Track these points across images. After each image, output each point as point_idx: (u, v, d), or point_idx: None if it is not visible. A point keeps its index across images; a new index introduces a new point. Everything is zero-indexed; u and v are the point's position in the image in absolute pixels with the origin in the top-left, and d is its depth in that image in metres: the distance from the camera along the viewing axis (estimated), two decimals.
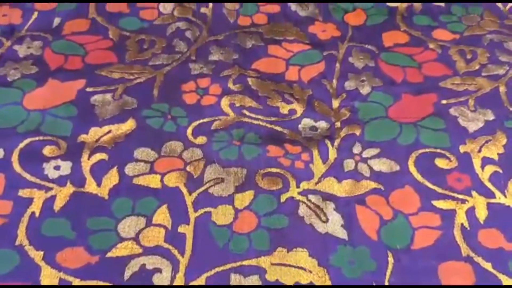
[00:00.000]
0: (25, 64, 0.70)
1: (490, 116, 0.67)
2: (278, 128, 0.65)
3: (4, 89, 0.67)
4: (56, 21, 0.77)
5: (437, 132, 0.65)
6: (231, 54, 0.74)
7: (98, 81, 0.69)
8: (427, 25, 0.80)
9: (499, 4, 0.83)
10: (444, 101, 0.69)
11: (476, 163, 0.62)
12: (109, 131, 0.63)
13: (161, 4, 0.80)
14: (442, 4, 0.83)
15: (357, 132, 0.65)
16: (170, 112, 0.66)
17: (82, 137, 0.62)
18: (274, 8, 0.81)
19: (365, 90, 0.70)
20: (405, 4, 0.83)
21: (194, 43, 0.75)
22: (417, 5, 0.83)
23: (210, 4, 0.81)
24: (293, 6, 0.81)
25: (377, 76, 0.72)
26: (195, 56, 0.73)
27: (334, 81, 0.71)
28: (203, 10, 0.80)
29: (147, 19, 0.78)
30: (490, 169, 0.61)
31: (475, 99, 0.69)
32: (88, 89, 0.68)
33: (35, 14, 0.77)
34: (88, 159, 0.60)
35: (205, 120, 0.65)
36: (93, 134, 0.63)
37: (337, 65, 0.73)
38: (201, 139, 0.63)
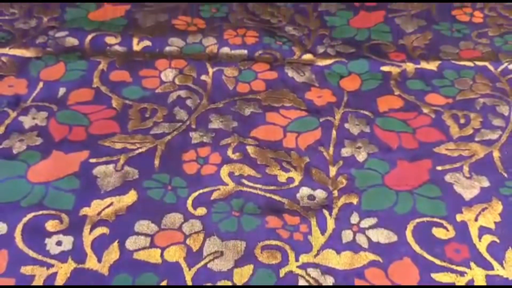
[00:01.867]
0: (30, 136, 0.72)
1: (485, 183, 0.68)
2: (277, 198, 0.66)
3: (9, 162, 0.68)
4: (61, 91, 0.79)
5: (433, 200, 0.66)
6: (230, 122, 0.76)
7: (101, 152, 0.71)
8: (421, 89, 0.82)
9: (491, 67, 0.86)
10: (439, 168, 0.70)
11: (474, 232, 0.62)
12: (111, 204, 0.64)
13: (163, 72, 0.83)
14: (435, 68, 0.86)
15: (355, 201, 0.66)
16: (170, 183, 0.67)
17: (84, 211, 0.63)
18: (272, 74, 0.84)
19: (361, 157, 0.72)
20: (398, 69, 0.85)
21: (195, 111, 0.77)
22: (410, 70, 0.85)
23: (210, 72, 0.84)
24: (289, 72, 0.84)
25: (373, 143, 0.74)
26: (196, 125, 0.75)
27: (331, 148, 0.73)
28: (203, 77, 0.83)
29: (149, 87, 0.81)
30: (487, 239, 0.62)
31: (470, 165, 0.71)
32: (91, 160, 0.69)
33: (41, 84, 0.80)
34: (90, 233, 0.61)
35: (205, 190, 0.67)
36: (95, 207, 0.64)
37: (334, 131, 0.75)
38: (201, 210, 0.64)
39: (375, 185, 0.68)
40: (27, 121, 0.74)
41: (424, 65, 0.86)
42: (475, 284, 0.57)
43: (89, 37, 0.89)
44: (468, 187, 0.68)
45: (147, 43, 0.89)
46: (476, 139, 0.74)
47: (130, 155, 0.71)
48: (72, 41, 0.88)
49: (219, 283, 0.57)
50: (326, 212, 0.64)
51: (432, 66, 0.86)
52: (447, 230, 0.62)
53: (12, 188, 0.65)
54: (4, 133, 0.72)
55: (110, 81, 0.81)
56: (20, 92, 0.79)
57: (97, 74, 0.82)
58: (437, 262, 0.59)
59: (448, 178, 0.69)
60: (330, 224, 0.63)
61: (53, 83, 0.80)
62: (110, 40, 0.89)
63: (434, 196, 0.66)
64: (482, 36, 0.93)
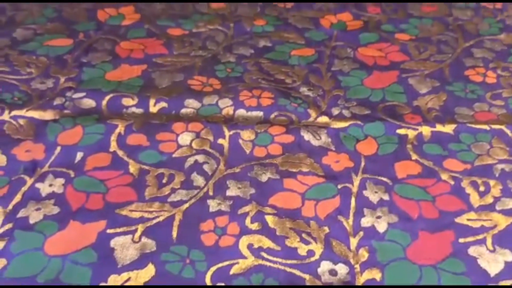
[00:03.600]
0: (47, 204, 0.72)
1: (509, 257, 0.67)
2: (297, 273, 0.65)
3: (26, 233, 0.68)
4: (79, 155, 0.79)
5: (458, 276, 0.64)
6: (248, 189, 0.75)
7: (118, 221, 0.70)
8: (438, 154, 0.82)
9: (507, 131, 0.86)
10: (462, 240, 0.69)
11: None
12: (128, 279, 0.63)
13: (180, 136, 0.83)
14: (451, 131, 0.86)
15: (377, 277, 0.64)
16: (188, 256, 0.66)
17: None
18: (288, 138, 0.84)
19: (381, 227, 0.71)
20: (414, 132, 0.85)
21: (212, 177, 0.77)
22: (426, 133, 0.85)
23: (227, 135, 0.84)
24: (305, 135, 0.84)
25: (393, 212, 0.73)
26: (213, 191, 0.75)
27: (351, 217, 0.72)
28: (220, 141, 0.83)
29: (166, 151, 0.81)
30: None
31: (493, 236, 0.69)
32: (108, 231, 0.68)
33: (58, 149, 0.80)
34: None
35: (224, 264, 0.65)
36: (112, 282, 0.63)
37: (353, 199, 0.74)
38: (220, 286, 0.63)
39: (397, 258, 0.67)
40: (44, 188, 0.74)
41: (440, 128, 0.86)
42: None
43: (107, 98, 0.90)
44: (492, 261, 0.66)
45: (163, 104, 0.89)
46: (497, 208, 0.74)
47: (148, 224, 0.70)
48: (89, 102, 0.89)
49: None
50: None
51: (448, 129, 0.86)
52: None
53: (29, 262, 0.64)
54: (21, 201, 0.72)
55: (127, 145, 0.81)
56: (37, 157, 0.79)
57: (114, 138, 0.82)
58: None
59: (471, 251, 0.67)
60: None
61: (70, 148, 0.80)
62: (127, 101, 0.89)
63: (459, 272, 0.65)
64: (496, 97, 0.94)
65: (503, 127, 0.87)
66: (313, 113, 0.89)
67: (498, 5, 1.23)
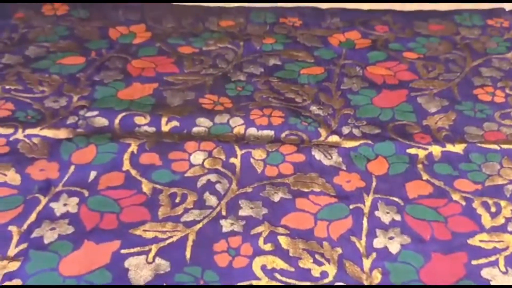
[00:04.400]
0: (61, 224, 0.72)
1: None
2: None
3: (41, 253, 0.68)
4: (92, 174, 0.80)
5: None
6: (260, 209, 0.76)
7: (132, 241, 0.70)
8: (448, 174, 0.82)
9: None
10: (474, 262, 0.69)
11: None
12: None
13: (192, 155, 0.84)
14: (461, 151, 0.86)
15: None
16: (202, 277, 0.66)
17: None
18: (300, 157, 0.85)
19: (394, 248, 0.71)
20: (424, 152, 0.86)
21: (224, 197, 0.77)
22: (436, 153, 0.86)
23: (239, 154, 0.84)
24: (317, 155, 0.85)
25: (405, 233, 0.73)
26: (226, 211, 0.75)
27: (363, 238, 0.72)
28: (232, 160, 0.84)
29: (178, 171, 0.82)
30: None
31: (505, 258, 0.70)
32: (122, 251, 0.69)
33: (72, 168, 0.81)
34: None
35: (238, 285, 0.66)
36: None
37: (365, 220, 0.75)
38: None
39: (411, 280, 0.67)
40: (58, 208, 0.75)
41: (450, 147, 0.87)
42: None
43: (119, 117, 0.91)
44: (505, 283, 0.66)
45: (175, 123, 0.90)
46: (509, 229, 0.74)
47: (161, 245, 0.70)
48: (102, 121, 0.90)
49: None
50: None
51: (458, 149, 0.87)
52: None
53: (44, 282, 0.65)
54: (35, 220, 0.73)
55: (140, 164, 0.82)
56: (51, 176, 0.79)
57: (127, 157, 0.83)
58: None
59: (484, 273, 0.68)
60: None
61: (84, 167, 0.81)
62: (139, 120, 0.90)
63: None
64: (506, 117, 0.94)
65: None
66: (323, 132, 0.90)
67: (505, 23, 1.24)
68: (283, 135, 0.89)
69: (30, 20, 1.19)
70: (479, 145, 0.87)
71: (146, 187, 0.79)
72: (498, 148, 0.87)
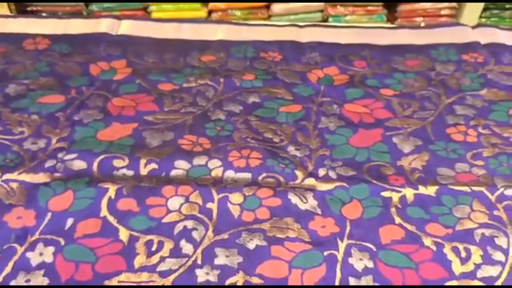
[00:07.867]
0: (36, 275, 0.72)
1: None
2: None
3: None
4: (69, 222, 0.80)
5: None
6: (235, 257, 0.77)
7: None
8: (420, 217, 0.84)
9: (487, 193, 0.89)
10: None
11: None
12: None
13: (169, 200, 0.85)
14: (433, 194, 0.88)
15: None
16: None
17: None
18: (276, 201, 0.86)
19: None
20: (398, 195, 0.88)
21: (200, 245, 0.78)
22: (409, 196, 0.88)
23: (216, 199, 0.85)
24: (293, 199, 0.86)
25: (377, 281, 0.75)
26: (201, 260, 0.76)
27: None
28: (209, 205, 0.85)
29: (156, 217, 0.82)
30: None
31: None
32: None
33: (49, 215, 0.81)
34: None
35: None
36: None
37: (338, 267, 0.76)
38: None
39: None
40: (34, 258, 0.75)
41: (422, 190, 0.89)
42: None
43: (98, 160, 0.91)
44: None
45: (153, 166, 0.91)
46: (478, 276, 0.76)
47: None
48: (80, 164, 0.90)
49: None
50: None
51: (431, 191, 0.89)
52: None
53: None
54: (11, 271, 0.73)
55: (117, 210, 0.83)
56: (28, 224, 0.79)
57: (105, 202, 0.84)
58: None
59: None
60: None
61: (61, 214, 0.81)
62: (118, 163, 0.91)
63: None
64: (477, 157, 0.97)
65: (483, 189, 0.89)
66: (300, 175, 0.91)
67: (480, 58, 1.27)
68: (260, 178, 0.91)
69: (11, 55, 1.20)
70: (451, 187, 0.90)
71: (123, 234, 0.79)
72: (469, 190, 0.89)
